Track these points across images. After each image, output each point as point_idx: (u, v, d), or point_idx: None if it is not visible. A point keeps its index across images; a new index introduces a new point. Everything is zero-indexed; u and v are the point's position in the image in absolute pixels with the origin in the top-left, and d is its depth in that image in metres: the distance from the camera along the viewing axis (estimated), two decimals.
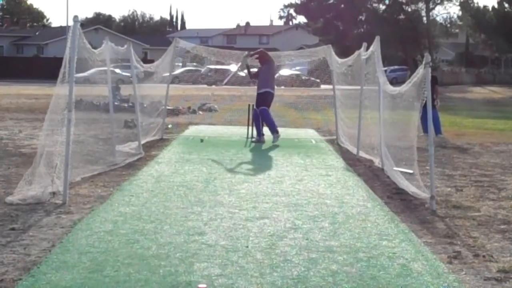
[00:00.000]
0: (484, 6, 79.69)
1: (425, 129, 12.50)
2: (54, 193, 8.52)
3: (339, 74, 15.98)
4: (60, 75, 8.61)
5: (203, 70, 46.95)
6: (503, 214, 8.19)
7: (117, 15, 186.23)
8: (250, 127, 16.25)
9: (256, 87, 15.80)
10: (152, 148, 14.00)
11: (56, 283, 5.25)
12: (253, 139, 15.48)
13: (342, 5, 61.00)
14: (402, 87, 10.10)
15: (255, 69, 16.21)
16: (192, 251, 6.20)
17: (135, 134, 13.86)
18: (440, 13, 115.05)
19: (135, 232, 6.87)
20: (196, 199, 8.62)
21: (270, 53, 18.85)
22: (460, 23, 67.79)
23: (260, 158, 13.11)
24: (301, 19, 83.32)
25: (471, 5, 64.42)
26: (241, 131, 16.99)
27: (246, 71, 16.42)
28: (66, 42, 8.68)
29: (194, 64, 45.28)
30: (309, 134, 17.97)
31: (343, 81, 15.89)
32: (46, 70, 30.80)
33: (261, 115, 15.26)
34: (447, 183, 10.34)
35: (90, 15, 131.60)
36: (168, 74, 17.22)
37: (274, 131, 15.35)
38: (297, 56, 20.43)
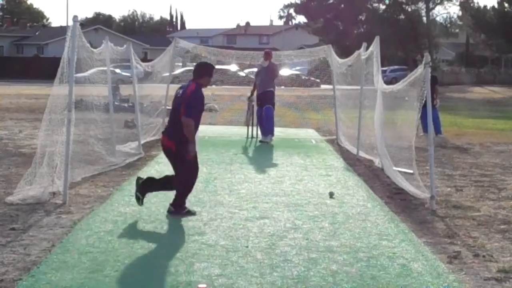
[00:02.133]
0: (484, 6, 79.72)
1: (425, 129, 12.50)
2: (54, 193, 8.52)
3: (339, 74, 15.98)
4: (58, 75, 8.60)
5: None
6: (503, 214, 8.19)
7: (117, 15, 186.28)
8: (250, 127, 16.25)
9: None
10: (152, 148, 14.00)
11: (56, 283, 5.25)
12: (261, 140, 15.39)
13: (342, 5, 60.96)
14: (396, 86, 10.10)
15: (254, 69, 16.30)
16: (192, 251, 6.20)
17: (135, 134, 13.86)
18: (440, 13, 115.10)
19: (135, 232, 6.87)
20: (196, 199, 8.62)
21: None
22: (460, 23, 67.76)
23: (260, 158, 13.11)
24: (301, 19, 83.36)
25: (471, 5, 64.37)
26: (241, 131, 16.99)
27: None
28: (67, 43, 8.68)
29: (194, 64, 45.25)
30: (309, 134, 17.97)
31: (343, 81, 15.90)
32: (46, 70, 30.74)
33: (266, 113, 15.23)
34: (447, 183, 10.34)
35: (90, 15, 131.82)
36: (168, 74, 17.22)
37: (270, 132, 15.33)
38: (297, 56, 20.42)
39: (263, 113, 15.22)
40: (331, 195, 8.46)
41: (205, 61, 8.31)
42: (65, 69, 8.62)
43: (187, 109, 7.39)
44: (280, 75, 16.09)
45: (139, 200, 7.77)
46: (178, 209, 7.68)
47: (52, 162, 8.82)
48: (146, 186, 7.79)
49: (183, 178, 7.65)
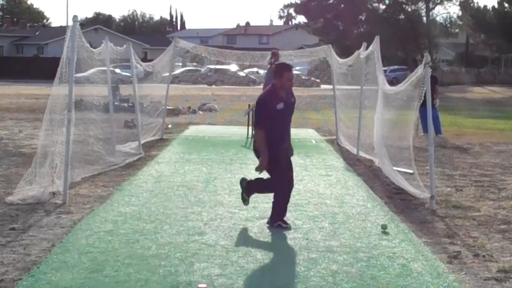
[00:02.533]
0: (484, 6, 79.74)
1: (425, 129, 12.50)
2: (54, 193, 8.52)
3: (339, 74, 15.98)
4: (57, 75, 8.61)
5: (203, 70, 46.95)
6: (503, 214, 8.19)
7: (117, 15, 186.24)
8: (250, 127, 16.25)
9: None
10: (152, 148, 14.00)
11: (56, 283, 5.25)
12: None
13: (342, 5, 60.95)
14: (399, 86, 10.10)
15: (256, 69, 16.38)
16: (192, 251, 6.20)
17: (135, 134, 13.86)
18: (440, 13, 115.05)
19: (135, 232, 6.87)
20: (196, 199, 8.62)
21: (270, 53, 18.97)
22: (460, 23, 67.74)
23: None
24: (301, 19, 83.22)
25: (471, 5, 64.38)
26: (241, 131, 16.99)
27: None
28: (66, 43, 8.69)
29: (194, 64, 45.24)
30: (309, 134, 17.96)
31: (343, 81, 15.90)
32: (46, 70, 30.71)
33: None
34: (447, 183, 10.34)
35: (90, 15, 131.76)
36: (168, 74, 17.22)
37: None
38: (297, 56, 20.43)
39: None
40: (384, 228, 7.34)
41: (282, 62, 7.80)
42: (64, 69, 8.62)
43: (254, 118, 7.12)
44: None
45: (245, 201, 7.61)
46: (274, 222, 7.20)
47: (52, 162, 8.82)
48: (251, 188, 7.53)
49: (275, 187, 7.31)
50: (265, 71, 17.06)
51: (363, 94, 13.45)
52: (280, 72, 7.07)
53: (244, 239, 6.68)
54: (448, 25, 67.63)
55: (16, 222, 7.24)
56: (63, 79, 8.62)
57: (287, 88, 7.11)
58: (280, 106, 7.04)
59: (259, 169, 7.18)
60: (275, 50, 16.54)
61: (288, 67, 7.18)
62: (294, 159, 12.89)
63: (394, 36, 51.31)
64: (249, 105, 16.73)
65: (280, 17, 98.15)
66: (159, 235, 6.77)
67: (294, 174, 11.11)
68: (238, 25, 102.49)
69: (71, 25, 8.69)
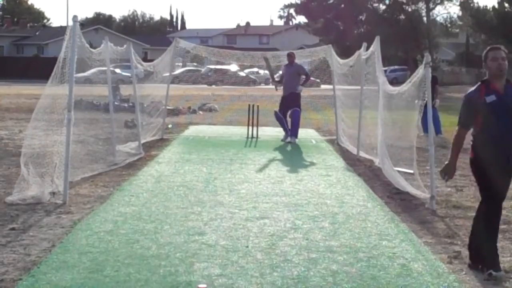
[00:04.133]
0: (484, 6, 79.69)
1: (426, 129, 12.49)
2: (54, 193, 8.52)
3: (339, 74, 15.98)
4: (52, 76, 8.61)
5: (203, 70, 46.95)
6: (503, 214, 8.12)
7: (117, 15, 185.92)
8: (250, 127, 16.26)
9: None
10: (152, 148, 14.00)
11: (56, 283, 5.25)
12: (290, 140, 15.56)
13: (342, 5, 60.94)
14: (402, 87, 10.10)
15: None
16: (192, 251, 6.20)
17: (135, 134, 13.86)
18: (440, 13, 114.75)
19: (135, 232, 6.87)
20: (196, 199, 8.61)
21: (271, 53, 18.97)
22: (460, 23, 67.74)
23: (260, 158, 13.10)
24: (301, 19, 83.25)
25: (471, 5, 64.37)
26: (241, 131, 16.99)
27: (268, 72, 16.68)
28: (65, 42, 8.68)
29: (194, 64, 45.22)
30: (309, 134, 17.96)
31: (344, 81, 15.90)
32: (46, 70, 30.61)
33: (294, 116, 15.55)
34: (447, 183, 10.29)
35: (90, 15, 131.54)
36: (168, 74, 17.22)
37: (295, 134, 15.57)
38: (297, 56, 20.44)
39: (292, 115, 15.57)
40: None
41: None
42: (59, 69, 8.62)
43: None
44: (308, 73, 16.39)
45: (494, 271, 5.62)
46: (483, 264, 5.75)
47: (51, 162, 8.81)
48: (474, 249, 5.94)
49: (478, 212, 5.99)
50: (252, 70, 17.10)
51: (363, 94, 13.45)
52: (485, 56, 5.82)
53: (244, 239, 6.68)
54: (448, 25, 67.63)
55: (16, 222, 7.24)
56: (56, 79, 8.61)
57: (493, 70, 5.70)
58: (490, 98, 5.67)
59: (443, 174, 6.18)
60: (291, 52, 16.66)
61: (493, 47, 5.84)
62: (294, 159, 12.97)
63: (394, 36, 51.28)
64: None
65: (280, 17, 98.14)
66: (159, 235, 6.77)
67: (294, 174, 11.18)
68: (238, 25, 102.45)
69: (71, 25, 8.68)
